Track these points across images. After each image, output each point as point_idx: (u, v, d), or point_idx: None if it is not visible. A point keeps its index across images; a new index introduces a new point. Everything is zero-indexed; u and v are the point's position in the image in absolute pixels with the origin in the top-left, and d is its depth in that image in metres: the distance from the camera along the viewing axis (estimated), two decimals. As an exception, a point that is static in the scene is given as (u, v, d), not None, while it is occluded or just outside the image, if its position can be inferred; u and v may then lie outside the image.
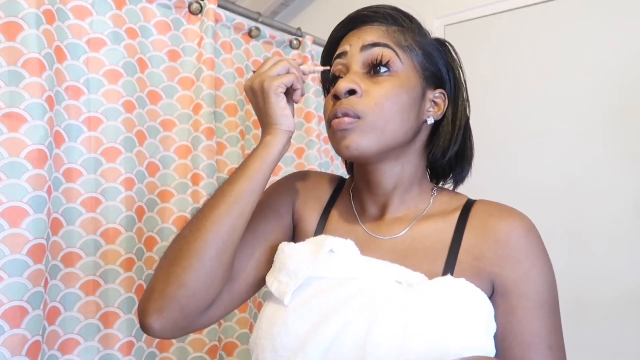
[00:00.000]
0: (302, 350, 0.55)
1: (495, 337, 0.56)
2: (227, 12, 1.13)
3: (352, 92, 0.58)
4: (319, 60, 0.75)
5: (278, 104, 0.59)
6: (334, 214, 0.68)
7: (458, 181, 0.69)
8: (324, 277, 0.60)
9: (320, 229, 0.68)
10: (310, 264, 0.59)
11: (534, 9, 1.46)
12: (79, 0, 0.85)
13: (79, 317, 0.82)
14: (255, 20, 1.20)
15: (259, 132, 1.24)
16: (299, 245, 0.63)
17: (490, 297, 0.57)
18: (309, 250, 0.61)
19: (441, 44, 0.66)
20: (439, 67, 0.64)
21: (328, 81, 0.67)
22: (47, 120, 0.75)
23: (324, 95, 0.72)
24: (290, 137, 0.62)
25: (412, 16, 0.64)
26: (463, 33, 1.58)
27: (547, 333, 0.55)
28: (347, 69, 0.61)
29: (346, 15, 0.66)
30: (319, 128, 1.33)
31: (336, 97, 0.59)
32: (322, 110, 1.38)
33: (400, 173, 0.63)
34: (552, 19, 1.43)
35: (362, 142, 0.57)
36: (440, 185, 0.71)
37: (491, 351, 0.54)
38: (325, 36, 1.48)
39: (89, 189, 0.84)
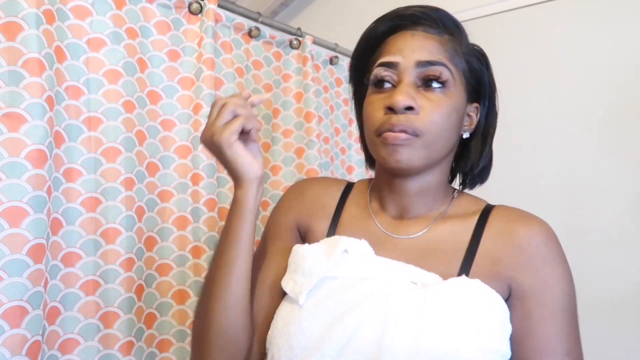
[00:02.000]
0: (318, 349, 0.56)
1: (511, 339, 0.56)
2: (227, 12, 1.13)
3: (409, 108, 0.57)
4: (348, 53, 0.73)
5: (235, 154, 0.59)
6: (346, 217, 0.69)
7: (473, 184, 0.70)
8: (338, 277, 0.60)
9: (331, 233, 0.68)
10: (325, 264, 0.59)
11: (534, 9, 1.46)
12: (79, 0, 0.85)
13: (79, 317, 0.82)
14: (255, 20, 1.20)
15: (259, 132, 1.24)
16: (313, 246, 0.63)
17: (507, 300, 0.57)
18: (323, 250, 0.61)
19: (482, 55, 0.65)
20: (480, 82, 0.64)
21: (365, 78, 0.64)
22: (47, 120, 0.75)
23: (352, 88, 0.71)
24: (261, 181, 0.62)
25: (460, 24, 0.63)
26: (463, 33, 1.58)
27: (565, 340, 0.55)
28: (398, 78, 0.59)
29: (390, 10, 0.63)
30: (319, 128, 1.33)
31: (390, 109, 0.58)
32: (322, 110, 1.39)
33: (429, 181, 0.63)
34: (552, 19, 1.43)
35: (413, 157, 0.57)
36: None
37: (506, 353, 0.54)
38: (325, 36, 1.48)
39: (89, 189, 0.84)
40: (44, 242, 0.74)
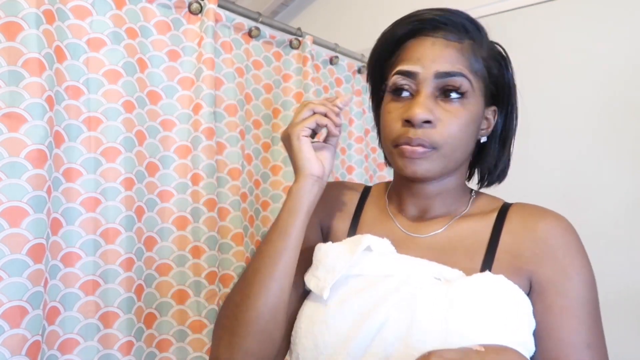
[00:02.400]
0: (345, 347, 0.56)
1: (535, 333, 0.56)
2: (227, 12, 1.13)
3: (427, 122, 0.57)
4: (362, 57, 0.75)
5: (300, 148, 0.61)
6: (365, 219, 0.69)
7: (490, 184, 0.70)
8: (361, 275, 0.61)
9: (352, 234, 0.68)
10: (348, 260, 0.59)
11: (534, 9, 1.46)
12: (79, 0, 0.85)
13: (79, 317, 0.82)
14: (255, 20, 1.20)
15: (259, 132, 1.24)
16: (336, 244, 0.64)
17: (528, 295, 0.57)
18: (345, 248, 0.62)
19: (501, 56, 0.64)
20: (499, 86, 0.63)
21: (384, 84, 0.64)
22: (47, 120, 0.75)
23: (373, 96, 0.71)
24: (319, 181, 0.62)
25: (481, 26, 0.62)
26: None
27: (585, 331, 0.55)
28: (416, 87, 0.59)
29: (410, 13, 0.62)
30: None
31: (408, 122, 0.58)
32: (322, 110, 1.38)
33: (447, 183, 0.64)
34: (552, 19, 1.43)
35: (430, 169, 0.58)
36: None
37: (531, 347, 0.55)
38: (325, 36, 1.48)
39: (88, 189, 0.84)
40: (43, 242, 0.74)
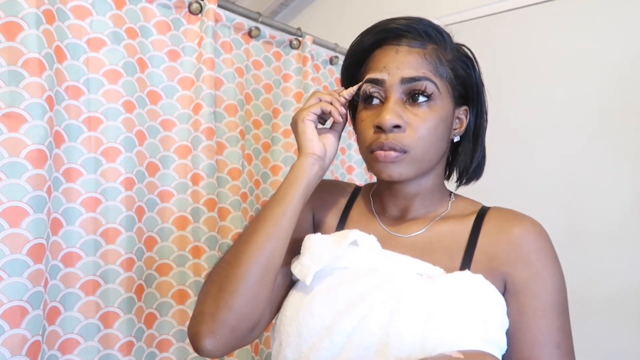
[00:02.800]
0: (328, 335, 0.58)
1: (507, 333, 0.58)
2: (227, 12, 1.13)
3: (397, 126, 0.59)
4: (335, 63, 0.78)
5: (304, 130, 0.65)
6: (353, 216, 0.73)
7: (468, 181, 0.72)
8: (347, 267, 0.64)
9: (340, 229, 0.72)
10: (334, 251, 0.62)
11: (534, 9, 1.46)
12: (79, 0, 0.85)
13: (79, 317, 0.82)
14: (255, 20, 1.20)
15: (259, 132, 1.24)
16: (325, 236, 0.67)
17: (502, 295, 0.60)
18: (333, 240, 0.65)
19: (466, 58, 0.66)
20: (467, 86, 0.66)
21: (355, 94, 0.67)
22: (47, 120, 0.75)
23: (349, 105, 0.73)
24: (320, 161, 0.66)
25: (443, 31, 0.65)
26: (463, 33, 1.58)
27: (555, 332, 0.57)
28: (385, 94, 0.62)
29: (376, 23, 0.66)
30: (319, 128, 1.33)
31: (379, 128, 0.60)
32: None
33: (425, 184, 0.67)
34: (552, 19, 1.43)
35: (404, 172, 0.61)
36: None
37: (504, 345, 0.57)
38: (325, 36, 1.48)
39: (89, 189, 0.84)
40: (44, 242, 0.74)
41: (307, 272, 0.62)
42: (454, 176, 0.73)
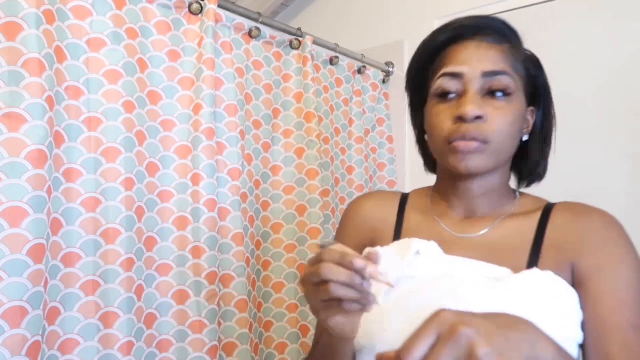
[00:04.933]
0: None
1: (582, 325, 0.57)
2: (227, 12, 1.13)
3: (478, 117, 0.59)
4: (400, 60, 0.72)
5: (326, 319, 0.54)
6: (408, 226, 0.71)
7: (531, 182, 0.73)
8: (413, 277, 0.62)
9: (397, 239, 0.69)
10: (399, 264, 0.62)
11: (534, 9, 1.46)
12: (79, 0, 0.85)
13: (79, 317, 0.82)
14: (255, 20, 1.20)
15: (259, 131, 1.24)
16: (385, 248, 0.65)
17: (573, 286, 0.58)
18: (395, 252, 0.64)
19: (536, 61, 0.68)
20: (537, 87, 0.67)
21: (424, 96, 0.67)
22: (47, 120, 0.75)
23: (409, 96, 0.73)
24: (353, 339, 0.59)
25: (517, 31, 0.66)
26: (463, 33, 1.58)
27: (630, 312, 0.54)
28: (463, 87, 0.61)
29: (448, 22, 0.65)
30: (319, 128, 1.33)
31: (460, 119, 0.60)
32: (322, 110, 1.39)
33: (491, 182, 0.66)
34: (552, 19, 1.43)
35: (482, 163, 0.61)
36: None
37: (579, 338, 0.56)
38: (325, 36, 1.47)
39: (88, 189, 0.84)
40: (43, 242, 0.74)
41: (375, 291, 0.57)
42: (517, 177, 0.73)
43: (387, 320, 0.59)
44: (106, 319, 0.85)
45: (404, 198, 0.75)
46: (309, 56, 1.31)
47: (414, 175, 1.68)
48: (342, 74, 1.52)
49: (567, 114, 1.41)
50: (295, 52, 1.31)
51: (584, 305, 0.57)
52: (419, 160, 0.79)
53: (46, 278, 0.76)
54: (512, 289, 0.56)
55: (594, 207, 0.63)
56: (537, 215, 0.64)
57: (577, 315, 0.56)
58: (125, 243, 0.88)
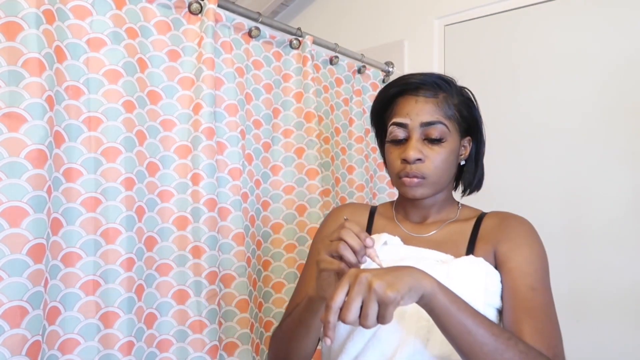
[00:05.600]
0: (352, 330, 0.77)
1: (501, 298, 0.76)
2: (227, 12, 1.13)
3: (418, 159, 0.78)
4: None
5: (324, 282, 0.71)
6: (377, 228, 0.90)
7: (471, 192, 0.91)
8: (382, 260, 0.75)
9: None
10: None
11: (534, 9, 1.46)
12: (79, 0, 0.85)
13: (79, 317, 0.82)
14: (255, 20, 1.20)
15: (259, 131, 1.24)
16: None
17: (496, 268, 0.77)
18: None
19: (468, 99, 0.84)
20: (469, 121, 0.84)
21: (384, 132, 0.85)
22: (47, 120, 0.75)
23: (378, 138, 0.93)
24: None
25: (450, 80, 0.83)
26: (463, 33, 1.58)
27: (531, 278, 0.73)
28: (408, 134, 0.80)
29: (398, 77, 0.84)
30: (319, 128, 1.33)
31: (405, 160, 0.79)
32: (322, 110, 1.39)
33: (438, 197, 0.86)
34: (552, 19, 1.43)
35: (424, 192, 0.81)
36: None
37: (499, 304, 0.75)
38: (325, 36, 1.48)
39: (89, 189, 0.85)
40: (44, 242, 0.74)
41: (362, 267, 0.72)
42: (460, 188, 0.92)
43: None
44: (106, 319, 0.85)
45: (373, 209, 0.94)
46: (309, 56, 1.31)
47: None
48: (342, 73, 1.52)
49: (567, 114, 1.41)
50: (295, 52, 1.31)
51: (502, 281, 0.75)
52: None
53: (46, 278, 0.76)
54: (453, 268, 0.75)
55: (514, 214, 0.83)
56: (473, 221, 0.84)
57: (498, 288, 0.75)
58: (125, 243, 0.88)
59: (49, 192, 0.75)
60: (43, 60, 0.75)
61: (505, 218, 0.82)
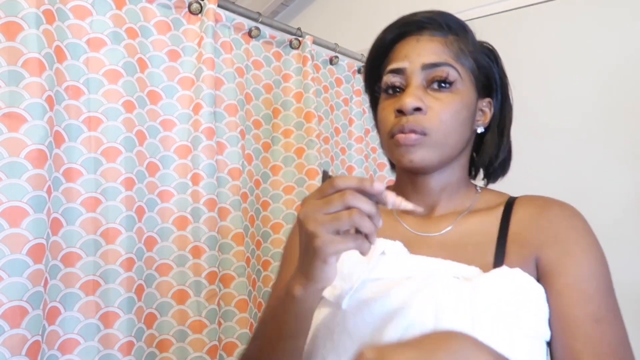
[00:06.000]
0: None
1: (548, 320, 0.55)
2: (227, 12, 1.13)
3: (417, 109, 0.58)
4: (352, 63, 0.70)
5: (324, 264, 0.48)
6: None
7: (495, 177, 0.70)
8: (379, 279, 0.59)
9: None
10: (365, 267, 0.59)
11: (534, 9, 1.46)
12: (79, 0, 0.85)
13: (79, 317, 0.82)
14: (255, 20, 1.20)
15: (259, 131, 1.24)
16: (350, 251, 0.58)
17: (539, 281, 0.56)
18: (359, 254, 0.57)
19: (490, 51, 0.67)
20: (490, 78, 0.65)
21: (377, 86, 0.66)
22: (47, 120, 0.75)
23: (369, 97, 0.73)
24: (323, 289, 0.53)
25: (465, 24, 0.64)
26: (463, 33, 1.58)
27: (593, 305, 0.53)
28: (406, 82, 0.61)
29: (398, 18, 0.65)
30: (319, 128, 1.33)
31: (400, 112, 0.60)
32: (322, 110, 1.39)
33: (449, 177, 0.65)
34: (552, 19, 1.43)
35: (426, 156, 0.59)
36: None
37: (547, 334, 0.54)
38: (325, 36, 1.48)
39: (89, 189, 0.84)
40: (44, 242, 0.74)
41: (339, 293, 0.57)
42: (482, 173, 0.72)
43: (351, 326, 0.55)
44: (106, 319, 0.85)
45: None
46: (309, 56, 1.30)
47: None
48: (342, 73, 1.52)
49: (567, 114, 1.41)
50: (295, 52, 1.31)
51: (548, 299, 0.55)
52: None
53: (46, 278, 0.76)
54: (481, 290, 0.53)
55: (556, 200, 0.62)
56: (500, 211, 0.62)
57: (545, 311, 0.55)
58: (125, 243, 0.88)
59: (49, 192, 0.75)
60: (43, 60, 0.75)
61: (547, 207, 0.60)
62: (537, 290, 0.55)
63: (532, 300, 0.54)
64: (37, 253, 0.73)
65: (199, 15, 1.05)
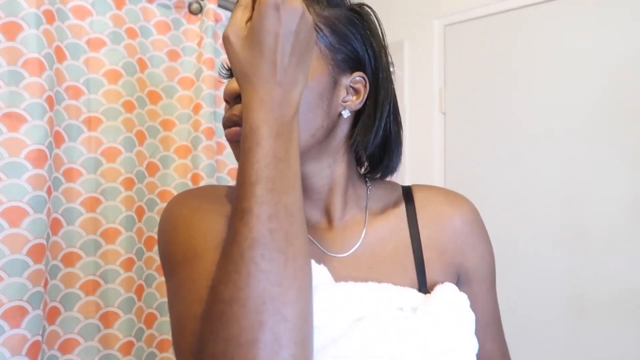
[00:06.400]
0: None
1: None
2: (227, 12, 1.13)
3: (238, 96, 0.47)
4: None
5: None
6: None
7: (386, 173, 0.59)
8: (316, 327, 0.43)
9: None
10: None
11: (534, 9, 1.46)
12: (79, 0, 0.85)
13: (79, 317, 0.82)
14: (255, 20, 1.20)
15: (259, 132, 1.24)
16: None
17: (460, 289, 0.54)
18: None
19: (357, 14, 0.53)
20: (354, 47, 0.52)
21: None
22: (47, 120, 0.75)
23: None
24: None
25: None
26: (463, 33, 1.58)
27: (497, 309, 0.59)
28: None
29: None
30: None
31: (227, 102, 0.50)
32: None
33: (331, 174, 0.54)
34: (552, 19, 1.43)
35: None
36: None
37: (476, 344, 0.52)
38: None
39: (89, 189, 0.85)
40: (44, 242, 0.74)
41: None
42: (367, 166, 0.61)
43: None
44: (106, 319, 0.85)
45: (232, 192, 0.56)
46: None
47: (414, 174, 1.68)
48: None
49: (568, 115, 1.41)
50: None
51: (473, 308, 0.53)
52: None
53: (46, 278, 0.76)
54: (432, 320, 0.48)
55: (458, 198, 0.58)
56: (402, 209, 0.56)
57: (473, 324, 0.52)
58: (125, 243, 0.88)
59: (49, 192, 0.75)
60: (43, 60, 0.75)
61: (455, 209, 0.56)
62: (467, 304, 0.52)
63: (468, 316, 0.51)
64: (37, 253, 0.73)
65: (199, 15, 1.05)
